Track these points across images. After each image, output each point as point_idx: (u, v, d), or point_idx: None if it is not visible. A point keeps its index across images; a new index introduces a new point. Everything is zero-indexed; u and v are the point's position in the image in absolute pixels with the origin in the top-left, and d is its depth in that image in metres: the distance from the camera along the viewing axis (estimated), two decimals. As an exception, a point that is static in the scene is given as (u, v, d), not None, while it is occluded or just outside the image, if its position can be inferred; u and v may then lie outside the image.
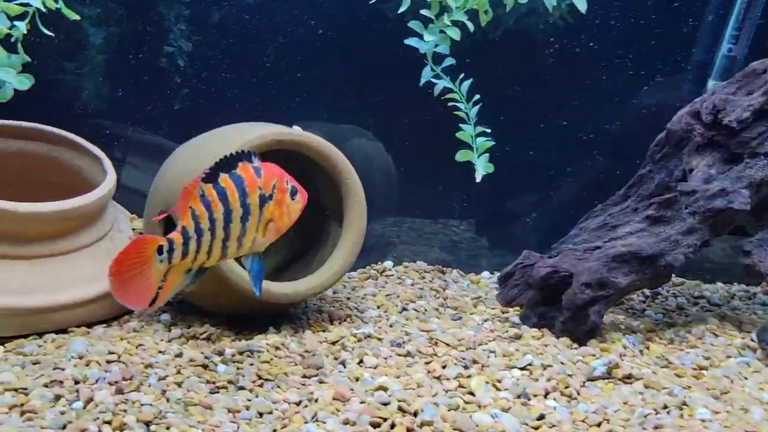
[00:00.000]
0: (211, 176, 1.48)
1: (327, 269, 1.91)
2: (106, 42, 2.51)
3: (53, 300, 1.87)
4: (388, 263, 2.57)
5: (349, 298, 2.21)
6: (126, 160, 2.54)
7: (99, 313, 1.98)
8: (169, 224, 1.89)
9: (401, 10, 2.25)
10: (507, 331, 1.90)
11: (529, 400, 1.55)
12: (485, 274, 2.55)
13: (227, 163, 1.49)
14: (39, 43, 2.20)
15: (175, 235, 1.46)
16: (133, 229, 2.17)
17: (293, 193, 1.56)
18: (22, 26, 2.00)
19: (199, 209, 1.47)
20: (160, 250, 1.45)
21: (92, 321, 1.97)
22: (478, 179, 2.36)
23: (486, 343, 1.78)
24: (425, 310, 2.12)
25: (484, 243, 2.69)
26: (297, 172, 1.76)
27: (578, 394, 1.58)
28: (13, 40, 2.03)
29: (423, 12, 2.19)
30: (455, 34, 2.23)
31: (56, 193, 2.19)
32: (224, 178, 1.49)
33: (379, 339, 1.82)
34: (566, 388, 1.59)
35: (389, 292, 2.27)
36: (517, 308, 1.97)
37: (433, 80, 2.34)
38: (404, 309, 2.12)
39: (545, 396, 1.57)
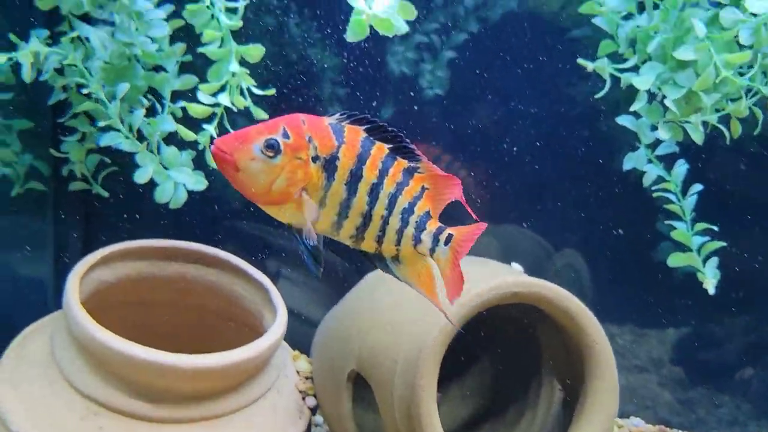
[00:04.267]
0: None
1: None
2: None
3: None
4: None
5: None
6: (278, 270, 2.20)
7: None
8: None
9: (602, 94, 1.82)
10: None
11: None
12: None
13: None
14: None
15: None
16: (298, 372, 1.79)
17: None
18: (210, 129, 1.70)
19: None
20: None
21: None
22: (711, 290, 1.88)
23: None
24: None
25: (709, 389, 2.15)
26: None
27: None
28: (200, 147, 1.76)
29: (668, 103, 1.73)
30: (698, 135, 1.77)
31: (210, 322, 1.89)
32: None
33: None
34: None
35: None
36: None
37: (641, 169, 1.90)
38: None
39: None
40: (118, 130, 1.73)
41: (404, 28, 1.47)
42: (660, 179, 1.92)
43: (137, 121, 1.73)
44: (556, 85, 2.21)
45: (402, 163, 1.13)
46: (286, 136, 1.09)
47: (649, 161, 1.88)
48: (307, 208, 1.09)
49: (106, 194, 2.01)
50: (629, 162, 1.90)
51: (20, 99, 1.93)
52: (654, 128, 1.82)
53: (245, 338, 1.85)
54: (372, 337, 1.46)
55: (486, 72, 2.23)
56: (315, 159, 1.10)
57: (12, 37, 1.70)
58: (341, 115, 1.14)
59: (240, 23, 1.64)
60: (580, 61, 1.72)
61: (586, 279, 2.24)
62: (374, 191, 1.12)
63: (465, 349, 1.64)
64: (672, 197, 1.94)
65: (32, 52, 1.59)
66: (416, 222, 1.14)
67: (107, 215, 2.13)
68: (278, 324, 1.65)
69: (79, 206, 2.12)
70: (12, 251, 2.07)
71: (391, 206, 1.13)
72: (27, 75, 1.60)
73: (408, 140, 1.14)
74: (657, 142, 1.89)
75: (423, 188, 1.15)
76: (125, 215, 2.14)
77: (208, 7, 1.59)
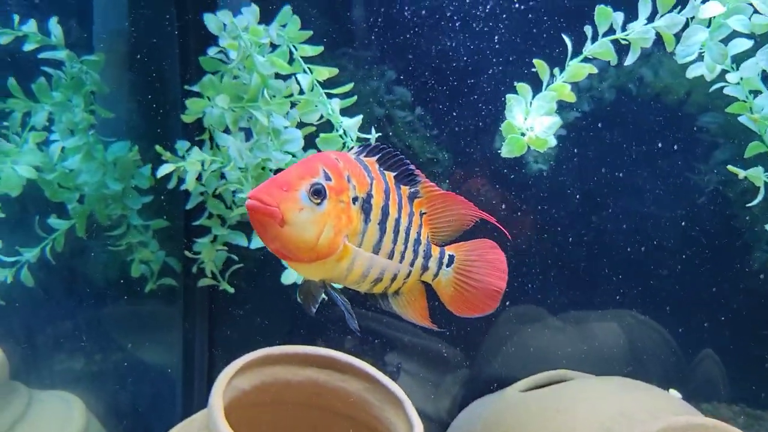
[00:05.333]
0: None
1: None
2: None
3: None
4: None
5: None
6: (398, 364, 2.18)
7: None
8: None
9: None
10: None
11: None
12: None
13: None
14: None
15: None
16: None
17: None
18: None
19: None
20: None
21: None
22: None
23: None
24: None
25: None
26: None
27: None
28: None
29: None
30: None
31: (338, 425, 1.88)
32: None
33: None
34: None
35: None
36: None
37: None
38: None
39: None
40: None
41: (554, 143, 1.44)
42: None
43: None
44: (684, 174, 2.13)
45: (405, 190, 1.05)
46: (327, 178, 0.95)
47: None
48: (362, 257, 0.96)
49: (232, 290, 2.05)
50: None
51: (156, 202, 2.01)
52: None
53: (373, 445, 1.83)
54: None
55: (600, 151, 2.18)
56: (354, 200, 0.98)
57: (158, 148, 1.78)
58: (359, 147, 1.05)
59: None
60: (731, 168, 1.64)
61: (720, 379, 2.11)
62: (396, 227, 1.02)
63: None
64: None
65: (198, 161, 1.64)
66: (424, 251, 1.06)
67: (231, 309, 2.18)
68: (416, 441, 1.61)
69: (206, 301, 2.17)
70: (144, 344, 2.14)
71: (406, 240, 1.03)
72: (191, 183, 1.65)
73: (408, 162, 1.06)
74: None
75: (421, 214, 1.07)
76: (248, 310, 2.18)
77: (341, 136, 1.61)
